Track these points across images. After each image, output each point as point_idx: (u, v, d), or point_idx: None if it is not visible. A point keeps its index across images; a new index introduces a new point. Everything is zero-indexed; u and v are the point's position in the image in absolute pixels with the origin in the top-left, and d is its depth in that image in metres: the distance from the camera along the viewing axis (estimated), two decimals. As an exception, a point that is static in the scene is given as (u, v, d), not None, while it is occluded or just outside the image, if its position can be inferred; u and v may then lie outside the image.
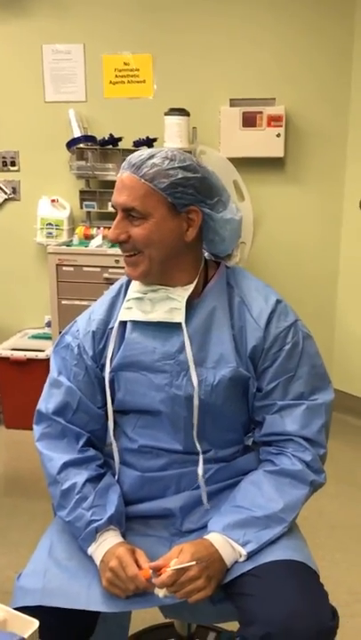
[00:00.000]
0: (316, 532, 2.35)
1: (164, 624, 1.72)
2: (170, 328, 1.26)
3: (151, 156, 1.21)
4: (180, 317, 1.25)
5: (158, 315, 1.26)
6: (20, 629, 0.94)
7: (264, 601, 1.09)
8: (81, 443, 1.31)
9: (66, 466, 1.27)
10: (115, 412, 1.33)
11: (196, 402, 1.25)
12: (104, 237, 3.13)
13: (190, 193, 1.21)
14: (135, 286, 1.32)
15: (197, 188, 1.22)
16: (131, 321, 1.30)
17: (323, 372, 1.32)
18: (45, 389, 1.36)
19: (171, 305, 1.26)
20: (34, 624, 0.94)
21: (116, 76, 3.28)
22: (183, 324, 1.24)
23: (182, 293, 1.26)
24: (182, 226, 1.23)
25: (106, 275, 2.99)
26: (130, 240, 1.23)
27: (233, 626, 1.23)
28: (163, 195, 1.20)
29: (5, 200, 3.47)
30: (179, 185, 1.20)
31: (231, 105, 3.19)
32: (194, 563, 1.11)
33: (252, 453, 1.35)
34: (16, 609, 1.14)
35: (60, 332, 1.41)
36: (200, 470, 1.27)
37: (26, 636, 0.92)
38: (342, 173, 3.24)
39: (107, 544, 1.20)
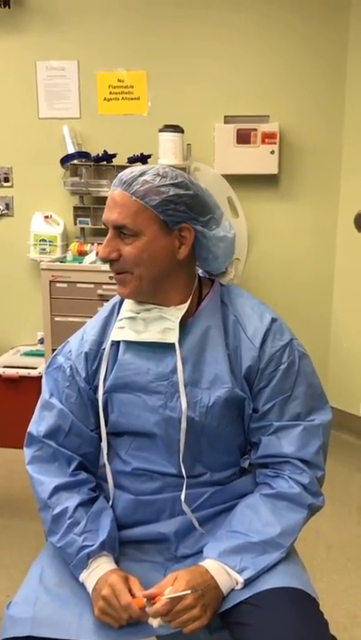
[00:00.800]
0: (313, 552, 2.32)
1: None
2: (164, 348, 1.24)
3: (142, 173, 1.19)
4: (173, 338, 1.22)
5: (151, 335, 1.24)
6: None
7: (262, 632, 1.05)
8: (73, 466, 1.27)
9: (57, 490, 1.24)
10: (108, 434, 1.30)
11: (183, 425, 1.21)
12: (98, 254, 3.11)
13: (182, 210, 1.19)
14: (128, 305, 1.29)
15: (189, 205, 1.20)
16: (123, 341, 1.27)
17: (320, 391, 1.29)
18: (37, 411, 1.32)
19: (164, 325, 1.23)
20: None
21: (111, 92, 3.29)
22: (177, 345, 1.22)
23: (176, 313, 1.24)
24: (174, 243, 1.21)
25: (100, 291, 2.97)
26: (120, 259, 1.21)
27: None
28: (154, 212, 1.18)
29: (-1, 216, 3.46)
30: (170, 202, 1.18)
31: (225, 122, 3.19)
32: (189, 592, 1.07)
33: (249, 476, 1.31)
34: (6, 639, 1.11)
35: (52, 349, 1.39)
36: (183, 496, 1.23)
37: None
38: (336, 190, 3.24)
39: (99, 571, 1.17)
